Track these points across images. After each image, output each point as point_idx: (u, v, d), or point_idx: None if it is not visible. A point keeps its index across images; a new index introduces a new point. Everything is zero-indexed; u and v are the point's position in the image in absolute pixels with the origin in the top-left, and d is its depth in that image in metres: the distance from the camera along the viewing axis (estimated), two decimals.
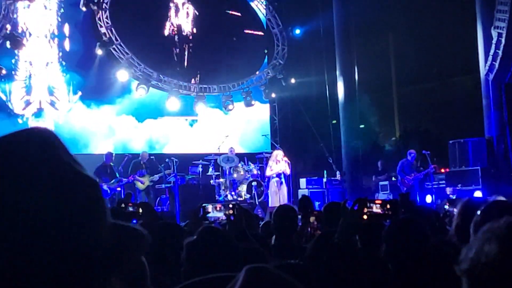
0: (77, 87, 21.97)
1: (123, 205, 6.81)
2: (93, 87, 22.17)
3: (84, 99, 22.07)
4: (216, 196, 20.21)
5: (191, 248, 4.22)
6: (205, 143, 23.04)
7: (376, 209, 5.33)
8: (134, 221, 6.71)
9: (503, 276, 1.30)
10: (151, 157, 20.43)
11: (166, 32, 23.85)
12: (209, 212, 6.10)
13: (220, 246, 4.19)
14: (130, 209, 6.72)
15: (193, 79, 23.97)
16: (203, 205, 6.17)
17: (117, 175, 19.34)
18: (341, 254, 5.06)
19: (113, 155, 19.78)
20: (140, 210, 6.73)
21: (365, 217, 5.25)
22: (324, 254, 5.25)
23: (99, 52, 21.68)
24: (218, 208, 6.07)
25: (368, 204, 5.29)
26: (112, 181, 19.04)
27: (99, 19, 22.01)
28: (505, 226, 1.38)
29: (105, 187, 18.57)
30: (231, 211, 5.94)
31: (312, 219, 8.44)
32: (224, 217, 6.00)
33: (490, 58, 19.96)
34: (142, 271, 3.18)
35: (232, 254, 4.24)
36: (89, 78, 22.10)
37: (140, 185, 19.72)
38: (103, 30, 22.01)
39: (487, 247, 1.35)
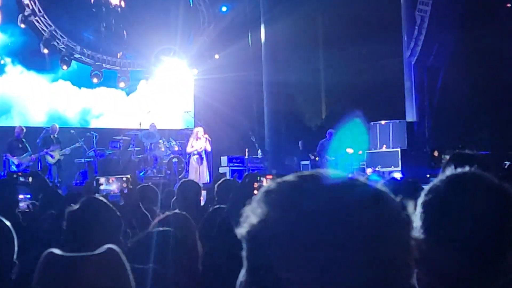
0: (12, 55, 21.86)
1: (15, 175, 6.68)
2: (29, 54, 22.02)
3: (18, 64, 21.91)
4: (136, 171, 20.03)
5: (72, 217, 4.17)
6: (129, 118, 22.90)
7: (266, 183, 5.33)
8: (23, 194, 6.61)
9: (273, 235, 1.28)
10: (72, 131, 20.17)
11: (93, 5, 23.42)
12: (102, 185, 6.01)
13: (100, 216, 4.14)
14: (21, 179, 6.58)
15: (118, 54, 23.69)
16: (96, 177, 6.09)
17: (29, 149, 18.95)
18: (230, 228, 5.04)
19: (24, 130, 19.27)
20: (30, 179, 6.59)
21: (255, 192, 5.24)
22: (214, 228, 5.24)
23: (22, 25, 21.32)
24: (111, 181, 5.99)
25: (259, 179, 5.29)
26: (24, 155, 18.68)
27: None
28: (274, 185, 1.35)
29: (16, 161, 18.36)
30: (124, 184, 5.88)
31: None
32: (117, 190, 5.93)
33: (413, 41, 20.18)
34: None
35: (112, 225, 4.23)
36: (24, 45, 21.84)
37: (50, 159, 19.32)
38: (26, 1, 21.53)
39: (260, 208, 1.33)
